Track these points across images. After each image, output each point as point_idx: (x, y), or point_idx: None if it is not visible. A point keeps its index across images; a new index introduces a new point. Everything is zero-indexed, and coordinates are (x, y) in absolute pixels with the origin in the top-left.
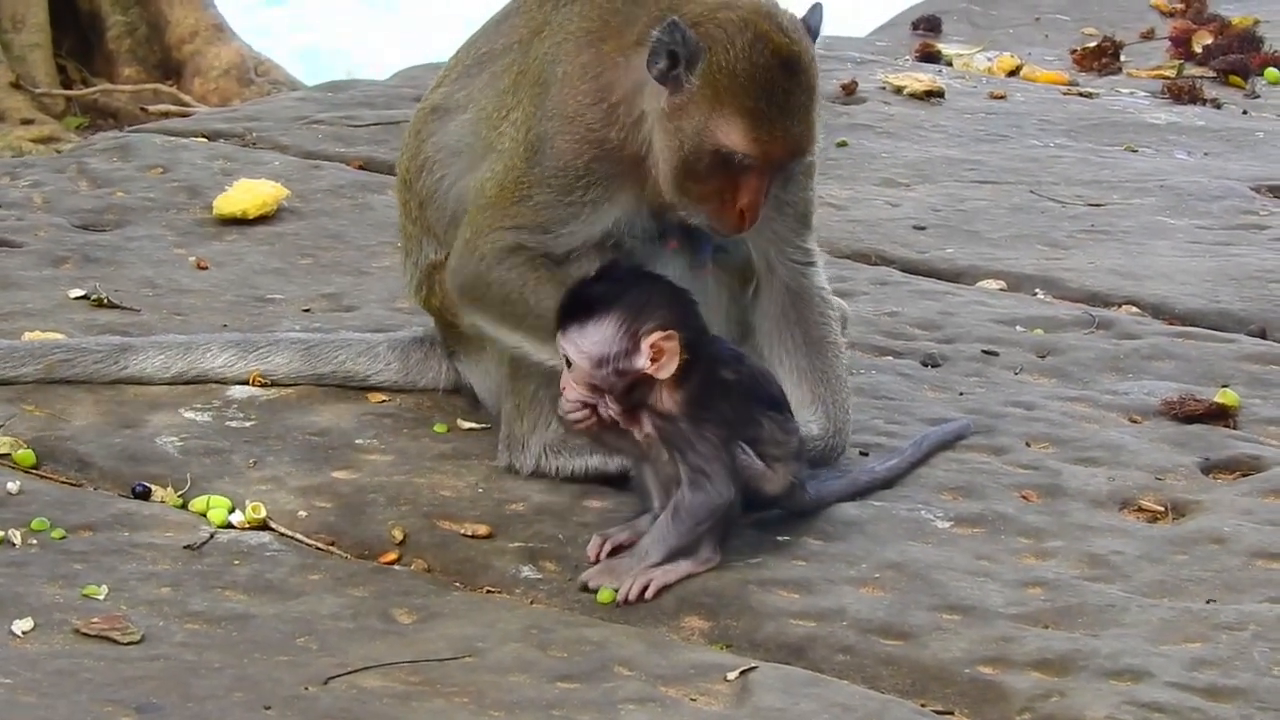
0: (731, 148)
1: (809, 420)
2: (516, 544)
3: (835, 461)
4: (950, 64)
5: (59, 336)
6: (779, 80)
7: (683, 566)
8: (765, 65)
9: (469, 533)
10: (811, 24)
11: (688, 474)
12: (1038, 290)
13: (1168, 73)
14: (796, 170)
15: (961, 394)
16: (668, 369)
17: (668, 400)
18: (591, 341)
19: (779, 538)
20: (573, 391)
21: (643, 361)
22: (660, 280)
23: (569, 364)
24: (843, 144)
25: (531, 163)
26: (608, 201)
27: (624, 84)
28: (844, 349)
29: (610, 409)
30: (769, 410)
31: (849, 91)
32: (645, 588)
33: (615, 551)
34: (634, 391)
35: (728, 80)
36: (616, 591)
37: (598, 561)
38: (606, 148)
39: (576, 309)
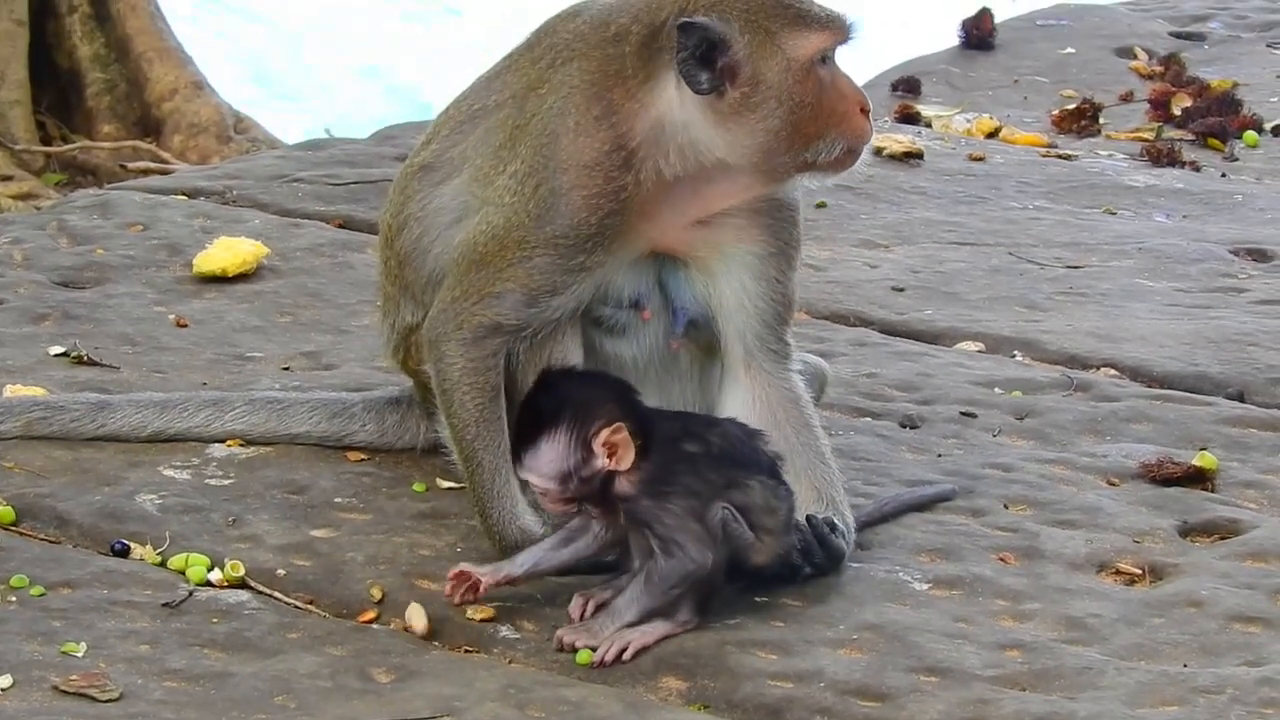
0: (819, 48)
1: (823, 515)
2: (494, 603)
3: (846, 545)
4: (929, 125)
5: (40, 392)
6: None
7: (660, 628)
8: None
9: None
10: None
11: (659, 545)
12: (1016, 352)
13: (1147, 135)
14: None
15: (940, 455)
16: (626, 459)
17: (625, 484)
18: (547, 463)
19: (757, 598)
20: (556, 509)
21: (601, 462)
22: (592, 378)
23: (541, 492)
24: (821, 205)
25: (542, 221)
26: (603, 265)
27: (641, 127)
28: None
29: (591, 511)
30: (759, 475)
31: None
32: (623, 649)
33: (598, 610)
34: (605, 489)
35: (762, 17)
36: (594, 652)
37: (581, 620)
38: (621, 198)
39: (524, 435)
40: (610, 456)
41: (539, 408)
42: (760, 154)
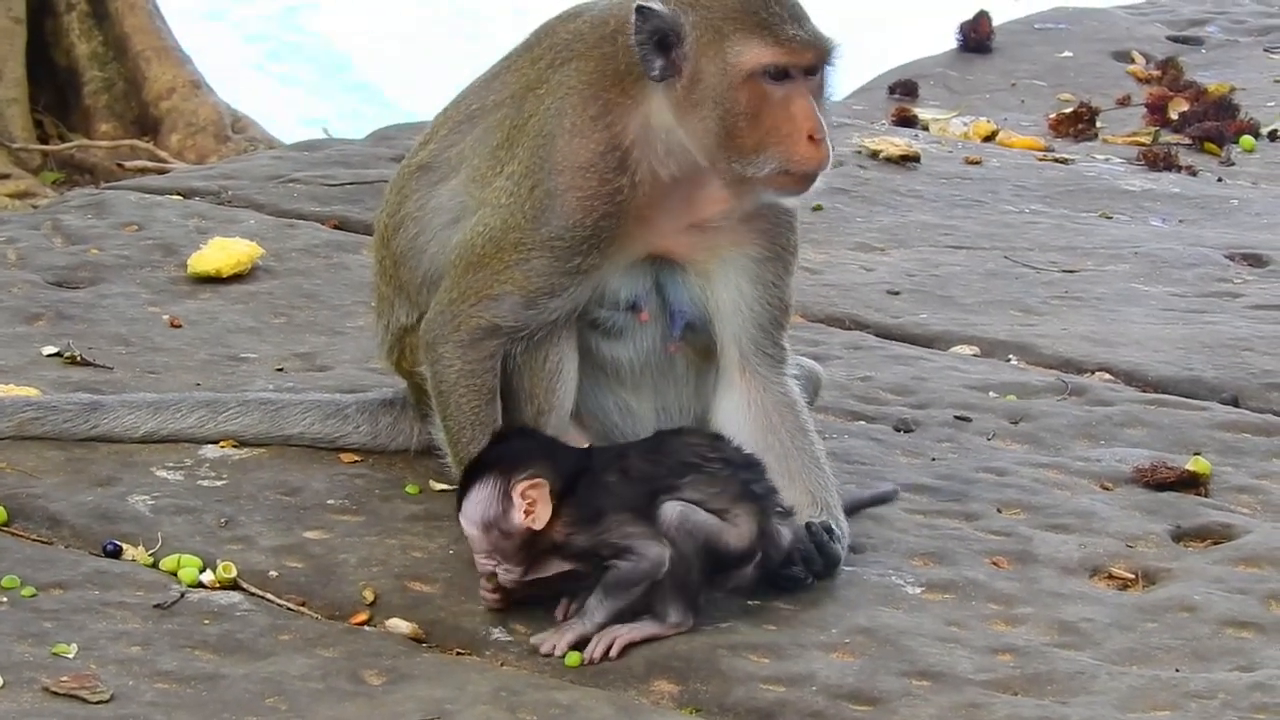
0: (760, 63)
1: (814, 517)
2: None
3: (842, 550)
4: (926, 128)
5: (33, 392)
6: None
7: (649, 627)
8: None
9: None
10: None
11: (612, 556)
12: (1011, 356)
13: (1143, 139)
14: (825, 85)
15: (934, 459)
16: (541, 517)
17: (558, 533)
18: (473, 506)
19: (749, 602)
20: (481, 564)
21: (518, 516)
22: (532, 437)
23: (469, 539)
24: (818, 208)
25: (538, 223)
26: (598, 269)
27: (634, 125)
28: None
29: (510, 574)
30: (684, 476)
31: None
32: (610, 645)
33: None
34: (527, 549)
35: (720, 13)
36: (581, 652)
37: (565, 620)
38: (617, 200)
39: (462, 483)
40: (527, 513)
41: (480, 459)
42: (704, 155)
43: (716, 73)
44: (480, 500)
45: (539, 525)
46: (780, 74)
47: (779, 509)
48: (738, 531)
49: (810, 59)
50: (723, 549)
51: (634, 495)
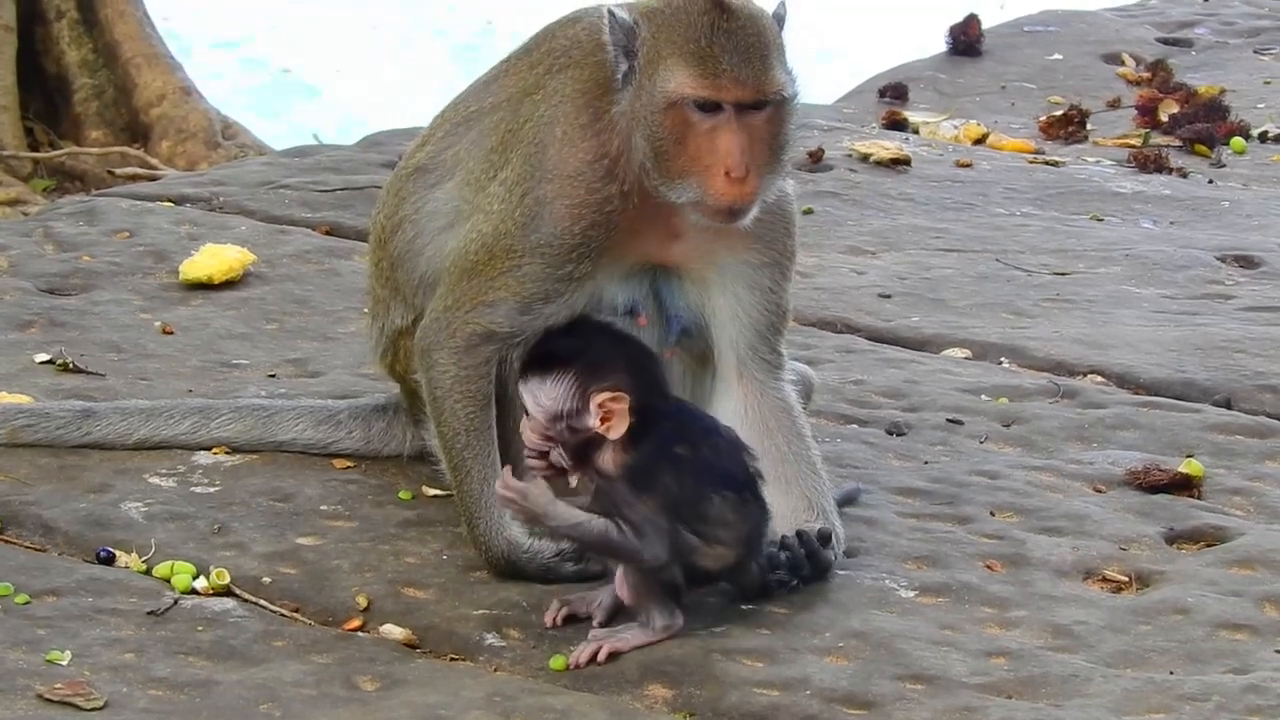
0: (681, 94)
1: (809, 522)
2: (480, 611)
3: (835, 555)
4: (917, 132)
5: (26, 399)
6: (718, 22)
7: (637, 636)
8: (700, 10)
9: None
10: (777, 15)
11: (625, 525)
12: (1003, 359)
13: (1134, 141)
14: (777, 122)
15: (926, 463)
16: (617, 429)
17: (609, 462)
18: (547, 396)
19: (743, 606)
20: (531, 439)
21: (592, 421)
22: (625, 341)
23: (527, 413)
24: (809, 211)
25: (527, 229)
26: (592, 278)
27: (620, 133)
28: (818, 450)
29: (563, 460)
30: (724, 489)
31: (815, 159)
32: (596, 652)
33: (571, 619)
34: (586, 448)
35: (666, 34)
36: (568, 658)
37: (553, 627)
38: (606, 210)
39: (538, 361)
40: (603, 421)
41: (563, 343)
42: (642, 171)
43: (648, 93)
44: (557, 395)
45: (614, 436)
46: (709, 106)
47: (762, 574)
48: (713, 557)
49: (739, 97)
50: (692, 567)
51: (686, 489)
